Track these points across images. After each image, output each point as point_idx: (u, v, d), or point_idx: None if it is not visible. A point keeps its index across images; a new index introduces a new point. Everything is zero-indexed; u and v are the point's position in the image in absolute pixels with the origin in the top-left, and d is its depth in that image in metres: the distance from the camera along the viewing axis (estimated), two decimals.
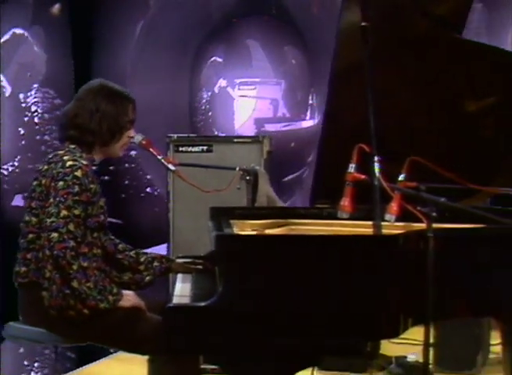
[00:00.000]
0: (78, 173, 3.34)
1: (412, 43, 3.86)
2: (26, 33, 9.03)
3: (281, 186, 7.82)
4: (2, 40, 8.86)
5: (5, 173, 8.46)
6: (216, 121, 8.63)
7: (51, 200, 3.33)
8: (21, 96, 8.85)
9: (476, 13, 7.68)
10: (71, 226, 3.27)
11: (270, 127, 8.38)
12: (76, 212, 3.31)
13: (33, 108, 8.83)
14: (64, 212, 3.27)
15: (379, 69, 3.50)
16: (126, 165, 8.51)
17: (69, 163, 3.38)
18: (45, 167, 3.46)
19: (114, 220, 8.12)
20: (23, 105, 8.86)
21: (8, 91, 8.82)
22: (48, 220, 3.28)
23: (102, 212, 3.51)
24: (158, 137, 7.43)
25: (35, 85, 8.93)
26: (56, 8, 9.17)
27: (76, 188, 3.32)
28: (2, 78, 8.77)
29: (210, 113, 8.68)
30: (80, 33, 9.19)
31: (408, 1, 3.82)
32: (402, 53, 3.84)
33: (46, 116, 8.88)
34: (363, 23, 3.52)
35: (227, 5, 9.07)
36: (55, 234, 3.23)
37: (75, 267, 3.22)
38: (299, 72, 8.59)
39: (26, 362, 6.25)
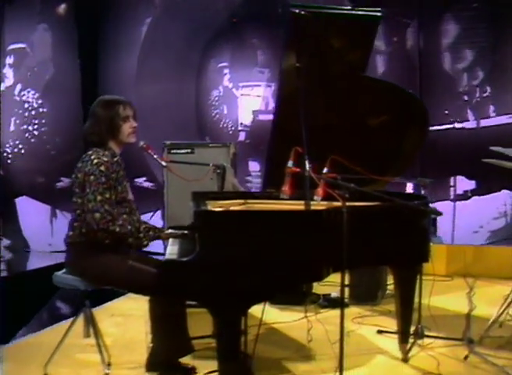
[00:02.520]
0: (102, 168, 3.39)
1: (331, 78, 3.89)
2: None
3: None
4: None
5: (9, 150, 8.00)
6: (226, 113, 8.03)
7: (88, 190, 3.37)
8: (19, 89, 7.97)
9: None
10: (106, 206, 3.35)
11: (262, 117, 7.95)
12: (107, 195, 3.38)
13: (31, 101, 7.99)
14: (99, 197, 3.35)
15: (309, 95, 3.52)
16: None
17: (95, 161, 3.40)
18: (79, 164, 3.47)
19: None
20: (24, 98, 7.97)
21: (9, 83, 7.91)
22: (90, 205, 3.34)
23: (126, 191, 3.54)
24: (164, 134, 6.82)
25: (41, 82, 7.95)
26: (62, 8, 7.81)
27: (103, 179, 3.38)
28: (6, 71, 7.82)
29: (221, 108, 8.00)
30: (86, 32, 7.81)
31: (329, 51, 3.82)
32: (325, 84, 3.87)
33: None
34: (297, 64, 3.57)
35: (233, 4, 7.78)
36: (97, 214, 3.32)
37: (112, 228, 3.35)
38: None
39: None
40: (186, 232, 3.62)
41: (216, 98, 8.06)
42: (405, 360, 4.04)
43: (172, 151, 5.26)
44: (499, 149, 4.37)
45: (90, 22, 7.91)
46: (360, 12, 3.83)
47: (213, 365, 3.27)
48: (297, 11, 3.58)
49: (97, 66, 8.07)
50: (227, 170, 4.27)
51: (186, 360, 3.66)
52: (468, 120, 7.24)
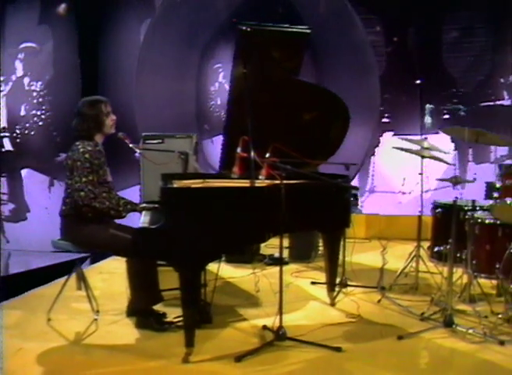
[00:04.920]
0: (87, 156, 3.35)
1: (272, 81, 3.82)
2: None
3: None
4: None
5: (18, 131, 7.64)
6: (219, 104, 7.42)
7: (75, 173, 3.33)
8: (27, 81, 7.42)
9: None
10: (90, 187, 3.31)
11: None
12: (91, 177, 3.33)
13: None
14: (84, 179, 3.31)
15: (255, 95, 3.45)
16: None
17: (81, 150, 3.36)
18: (70, 153, 3.42)
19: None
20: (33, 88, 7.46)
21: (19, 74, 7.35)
22: (76, 185, 3.31)
23: (106, 174, 3.47)
24: (169, 124, 6.35)
25: (46, 75, 7.35)
26: (62, 8, 6.81)
27: (87, 164, 3.33)
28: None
29: (216, 100, 7.41)
30: (87, 32, 6.85)
31: (269, 59, 3.75)
32: (266, 86, 3.79)
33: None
34: (244, 71, 3.48)
35: (234, 4, 6.74)
36: (82, 193, 3.29)
37: (93, 204, 3.29)
38: (303, 69, 6.57)
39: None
40: (156, 206, 3.56)
41: (213, 92, 7.72)
42: (332, 304, 4.05)
43: (147, 141, 5.18)
44: (402, 141, 4.43)
45: (90, 21, 7.00)
46: (293, 29, 3.77)
47: (179, 311, 3.24)
48: (244, 28, 3.50)
49: (98, 63, 7.32)
50: (190, 156, 4.19)
51: (158, 308, 3.62)
52: (504, 99, 6.86)
